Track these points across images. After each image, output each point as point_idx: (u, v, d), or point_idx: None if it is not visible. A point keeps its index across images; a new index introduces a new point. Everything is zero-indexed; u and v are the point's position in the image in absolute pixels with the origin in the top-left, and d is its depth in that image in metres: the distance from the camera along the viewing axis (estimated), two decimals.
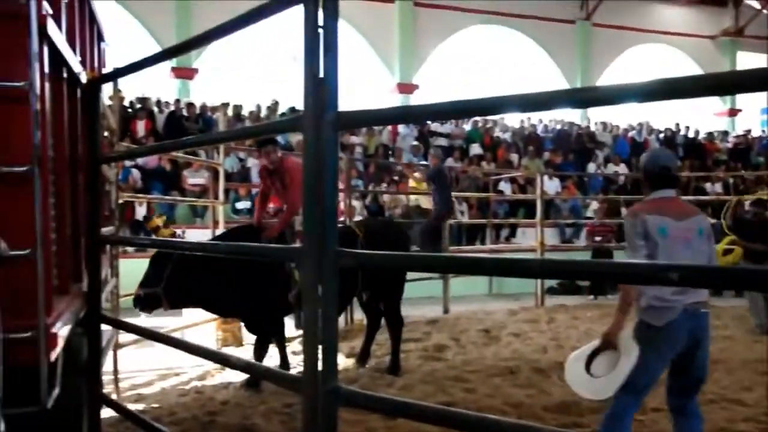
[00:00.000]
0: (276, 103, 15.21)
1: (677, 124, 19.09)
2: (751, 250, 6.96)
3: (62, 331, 2.72)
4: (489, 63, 19.96)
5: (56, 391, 2.68)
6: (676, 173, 3.65)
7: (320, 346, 1.93)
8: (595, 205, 14.50)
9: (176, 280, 5.27)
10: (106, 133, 5.42)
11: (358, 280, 5.82)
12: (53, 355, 2.58)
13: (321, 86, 2.00)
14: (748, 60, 21.95)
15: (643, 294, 3.37)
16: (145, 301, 5.26)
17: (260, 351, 5.92)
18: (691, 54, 21.72)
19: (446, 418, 1.78)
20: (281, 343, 5.97)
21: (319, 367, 1.94)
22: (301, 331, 5.53)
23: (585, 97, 1.62)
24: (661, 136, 18.72)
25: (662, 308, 3.30)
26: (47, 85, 2.85)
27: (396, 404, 1.95)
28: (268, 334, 5.92)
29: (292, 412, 4.76)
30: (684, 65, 21.49)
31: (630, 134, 18.32)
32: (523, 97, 1.68)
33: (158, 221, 6.03)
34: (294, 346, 7.15)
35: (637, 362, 3.30)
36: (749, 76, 1.29)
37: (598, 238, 12.75)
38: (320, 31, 1.97)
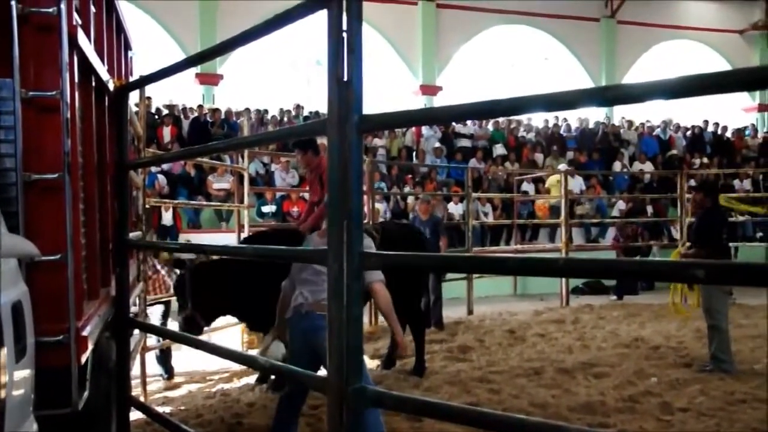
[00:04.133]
0: (299, 108, 15.30)
1: (705, 121, 18.81)
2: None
3: (92, 334, 2.77)
4: (512, 63, 19.86)
5: (86, 393, 2.73)
6: None
7: (345, 347, 1.94)
8: (621, 204, 14.39)
9: (199, 295, 5.35)
10: (133, 140, 5.50)
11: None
12: (83, 358, 2.63)
13: (345, 89, 2.01)
14: None
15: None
16: (188, 326, 5.33)
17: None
18: (719, 49, 21.36)
19: (472, 417, 1.78)
20: None
21: (344, 367, 1.95)
22: None
23: (612, 96, 1.60)
24: (688, 133, 18.49)
25: (295, 300, 3.76)
26: (77, 93, 2.91)
27: (422, 404, 1.96)
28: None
29: (318, 414, 4.78)
30: (712, 61, 21.16)
31: (655, 132, 18.12)
32: (548, 97, 1.68)
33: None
34: None
35: None
36: None
37: (621, 240, 12.60)
38: (344, 34, 1.98)
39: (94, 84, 3.41)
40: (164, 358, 6.29)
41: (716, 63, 21.05)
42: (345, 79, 2.02)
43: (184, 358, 6.61)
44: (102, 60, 3.72)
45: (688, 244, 7.14)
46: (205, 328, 6.83)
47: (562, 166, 14.66)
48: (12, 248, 2.17)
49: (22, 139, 2.56)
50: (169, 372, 6.32)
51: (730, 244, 11.63)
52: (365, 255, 1.97)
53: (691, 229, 6.52)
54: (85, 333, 2.65)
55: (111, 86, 3.87)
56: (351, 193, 2.00)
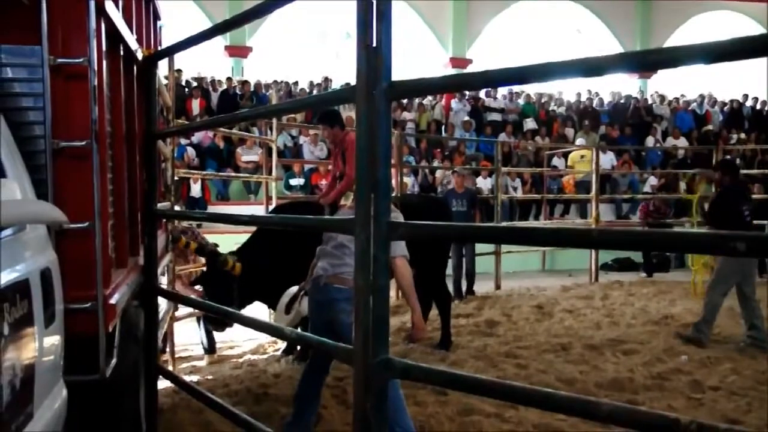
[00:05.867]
0: (327, 80, 15.23)
1: (745, 95, 18.29)
2: None
3: (120, 302, 2.78)
4: (544, 37, 19.50)
5: (114, 361, 2.75)
6: None
7: (371, 318, 1.92)
8: (653, 180, 14.14)
9: (247, 294, 5.42)
10: (162, 110, 5.51)
11: None
12: (111, 326, 2.64)
13: (374, 56, 1.96)
14: None
15: None
16: (215, 320, 5.38)
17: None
18: (761, 21, 20.68)
19: (500, 391, 1.75)
20: None
21: (370, 338, 1.93)
22: None
23: (653, 60, 1.52)
24: (726, 108, 18.03)
25: (315, 272, 3.75)
26: (104, 61, 2.90)
27: (448, 376, 1.93)
28: None
29: (343, 386, 4.80)
30: (753, 33, 20.44)
31: (691, 107, 17.71)
32: (583, 62, 1.61)
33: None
34: None
35: None
36: None
37: (652, 220, 12.40)
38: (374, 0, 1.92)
39: (122, 53, 3.40)
40: (209, 333, 6.25)
41: None
42: (374, 45, 1.97)
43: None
44: (130, 29, 3.70)
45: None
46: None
47: (580, 141, 14.43)
48: (40, 215, 2.17)
49: (50, 106, 2.56)
50: (212, 348, 6.27)
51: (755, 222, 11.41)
52: (392, 224, 1.93)
53: (710, 208, 6.43)
54: (112, 301, 2.66)
55: (140, 56, 3.85)
56: (379, 161, 1.96)
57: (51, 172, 2.56)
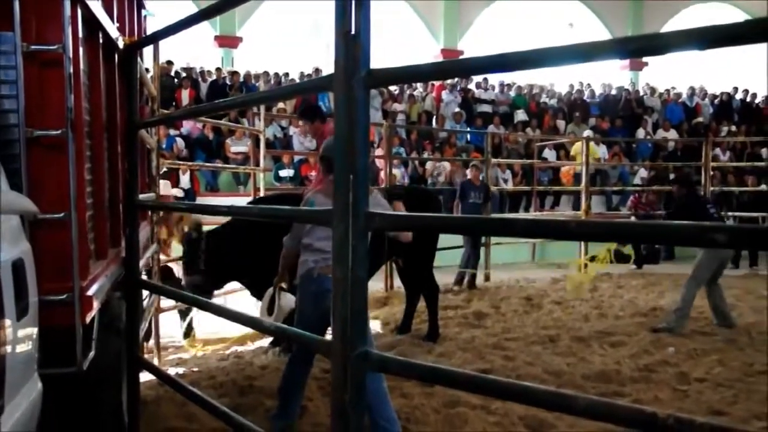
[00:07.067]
0: (318, 71, 15.13)
1: (735, 88, 18.30)
2: None
3: (98, 294, 2.74)
4: (536, 30, 19.44)
5: (92, 353, 2.70)
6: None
7: (349, 310, 1.88)
8: (643, 172, 14.15)
9: (214, 261, 5.38)
10: (147, 100, 5.45)
11: (385, 245, 5.73)
12: (88, 318, 2.60)
13: (352, 43, 1.92)
14: None
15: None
16: (197, 290, 5.36)
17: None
18: (755, 15, 20.73)
19: (477, 384, 1.73)
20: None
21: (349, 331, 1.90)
22: None
23: (638, 47, 1.49)
24: (716, 100, 18.04)
25: (304, 265, 3.76)
26: (81, 49, 2.84)
27: (427, 370, 1.90)
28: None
29: (330, 378, 4.76)
30: None
31: (681, 99, 17.72)
32: (563, 49, 1.56)
33: (163, 234, 5.97)
34: None
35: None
36: None
37: (642, 212, 12.39)
38: None
39: (101, 40, 3.34)
40: (185, 317, 6.29)
41: None
42: (352, 32, 1.92)
43: (202, 319, 6.62)
44: (111, 17, 3.64)
45: None
46: (220, 291, 6.90)
47: (587, 133, 14.42)
48: (9, 205, 2.12)
49: (24, 94, 2.51)
50: (187, 334, 6.29)
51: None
52: (371, 215, 1.90)
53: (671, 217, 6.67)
54: (90, 293, 2.61)
55: (121, 44, 3.79)
56: (357, 151, 1.92)
57: (25, 162, 2.51)
